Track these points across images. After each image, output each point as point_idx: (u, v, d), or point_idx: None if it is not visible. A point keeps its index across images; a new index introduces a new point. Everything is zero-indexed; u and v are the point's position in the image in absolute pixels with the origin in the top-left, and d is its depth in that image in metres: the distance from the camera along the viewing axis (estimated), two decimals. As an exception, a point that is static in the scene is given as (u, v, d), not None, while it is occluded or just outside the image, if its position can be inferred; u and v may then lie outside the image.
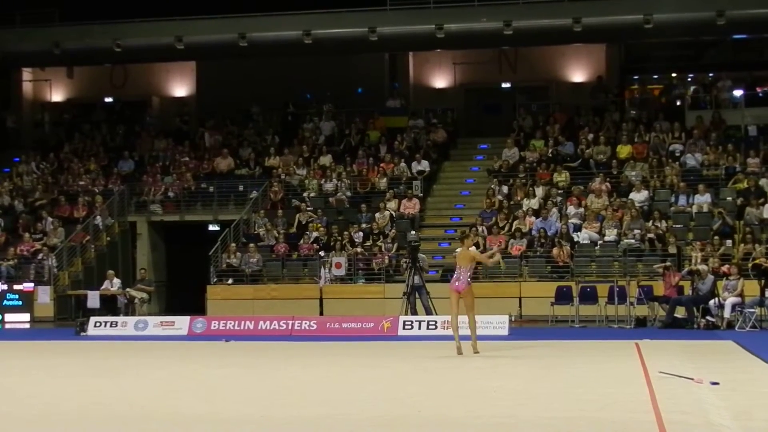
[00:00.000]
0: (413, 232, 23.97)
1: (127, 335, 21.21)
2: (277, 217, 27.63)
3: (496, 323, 20.02)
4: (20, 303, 25.31)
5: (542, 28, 28.87)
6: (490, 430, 9.02)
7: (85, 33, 30.69)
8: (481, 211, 26.80)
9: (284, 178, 29.33)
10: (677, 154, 27.92)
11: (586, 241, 25.07)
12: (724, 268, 21.91)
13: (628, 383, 11.93)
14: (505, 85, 33.32)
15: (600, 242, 24.99)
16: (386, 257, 25.49)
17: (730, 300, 20.85)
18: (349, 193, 28.52)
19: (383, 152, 30.05)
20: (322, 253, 25.87)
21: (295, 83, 32.91)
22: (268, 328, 21.11)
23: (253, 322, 21.41)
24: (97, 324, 21.86)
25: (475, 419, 9.48)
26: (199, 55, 32.73)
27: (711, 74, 32.51)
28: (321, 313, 24.45)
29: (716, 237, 24.04)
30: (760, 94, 31.66)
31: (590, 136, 28.97)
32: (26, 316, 25.28)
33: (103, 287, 25.39)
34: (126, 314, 24.28)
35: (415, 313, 21.65)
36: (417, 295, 21.90)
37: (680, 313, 21.39)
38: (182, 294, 28.34)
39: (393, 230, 26.45)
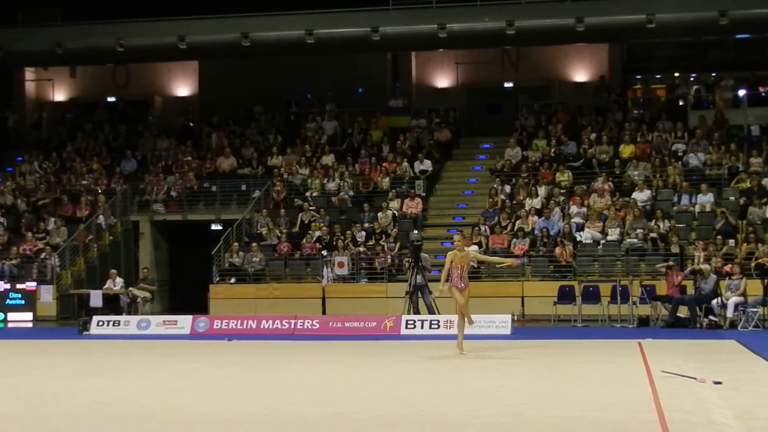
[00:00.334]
0: (416, 232, 23.95)
1: (129, 334, 21.22)
2: (279, 217, 27.65)
3: (499, 322, 20.07)
4: (23, 302, 25.32)
5: (545, 27, 28.86)
6: (492, 430, 9.01)
7: (88, 33, 30.72)
8: (484, 210, 26.80)
9: (287, 178, 29.32)
10: (680, 154, 27.91)
11: (588, 241, 25.07)
12: (727, 268, 21.88)
13: (630, 383, 11.92)
14: (508, 84, 33.26)
15: (603, 242, 24.97)
16: (389, 257, 25.48)
17: (733, 299, 20.84)
18: (351, 193, 28.52)
19: (386, 152, 30.04)
20: (324, 253, 25.86)
21: (298, 83, 32.94)
22: (270, 327, 21.13)
23: (255, 322, 21.43)
24: (100, 323, 21.91)
25: (477, 419, 9.47)
26: (201, 55, 32.74)
27: (714, 74, 32.47)
28: (323, 313, 24.46)
29: (719, 236, 24.04)
30: (763, 94, 31.61)
31: (593, 136, 28.96)
32: (29, 316, 25.28)
33: (105, 286, 25.44)
34: (128, 313, 24.30)
35: (417, 312, 21.65)
36: (419, 295, 21.91)
37: (683, 312, 21.39)
38: (185, 293, 28.32)
39: (395, 230, 26.45)
